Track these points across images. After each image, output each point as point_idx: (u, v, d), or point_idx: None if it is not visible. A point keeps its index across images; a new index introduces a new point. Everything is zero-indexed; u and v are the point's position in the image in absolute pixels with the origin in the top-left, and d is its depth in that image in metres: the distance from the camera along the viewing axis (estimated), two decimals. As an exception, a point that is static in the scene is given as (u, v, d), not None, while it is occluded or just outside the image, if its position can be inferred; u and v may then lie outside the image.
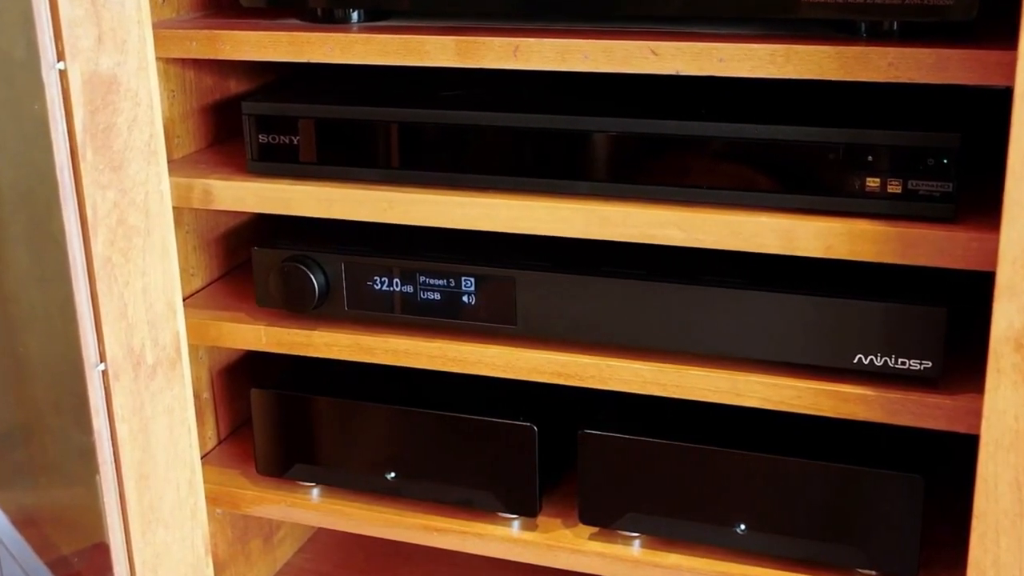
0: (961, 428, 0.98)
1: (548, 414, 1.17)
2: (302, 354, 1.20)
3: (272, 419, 1.26)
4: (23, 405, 1.31)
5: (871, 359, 1.01)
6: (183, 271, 1.26)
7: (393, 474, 1.22)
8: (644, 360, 1.09)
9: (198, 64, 1.28)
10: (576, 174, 1.08)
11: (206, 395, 1.35)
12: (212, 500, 1.28)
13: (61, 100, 0.98)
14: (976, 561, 0.96)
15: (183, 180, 1.18)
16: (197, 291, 1.31)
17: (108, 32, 0.99)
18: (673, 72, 1.00)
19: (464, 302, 1.14)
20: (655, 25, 1.06)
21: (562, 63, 1.03)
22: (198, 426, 1.27)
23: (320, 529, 1.57)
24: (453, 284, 1.14)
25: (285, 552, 1.52)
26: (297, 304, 1.18)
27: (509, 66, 1.05)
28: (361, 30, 1.11)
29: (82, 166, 0.99)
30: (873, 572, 1.07)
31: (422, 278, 1.15)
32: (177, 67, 1.25)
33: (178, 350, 1.11)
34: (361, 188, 1.13)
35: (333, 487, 1.27)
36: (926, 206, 0.97)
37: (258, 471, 1.28)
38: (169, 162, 1.14)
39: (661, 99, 1.12)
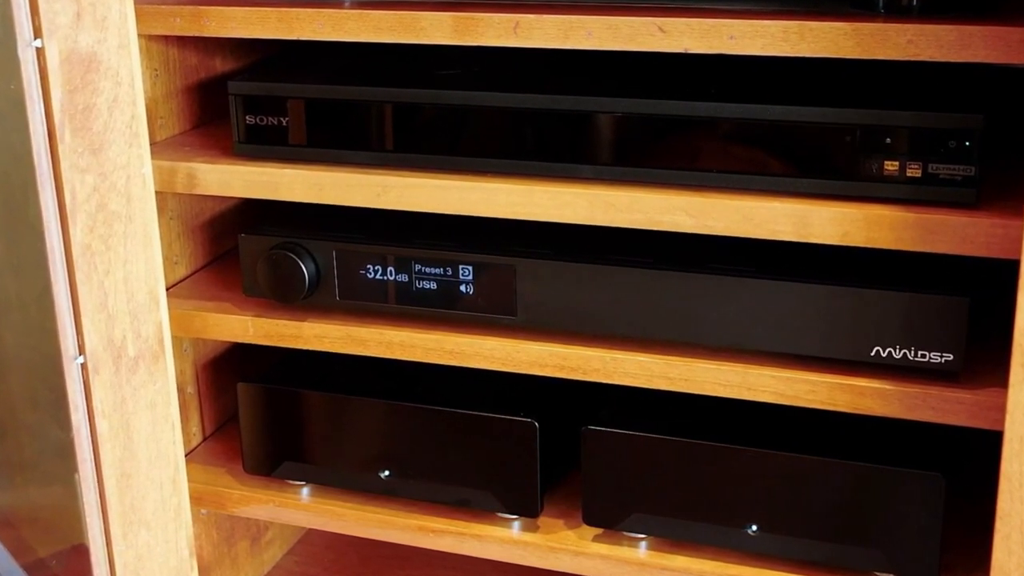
0: (984, 424, 0.98)
1: (550, 409, 1.18)
2: (291, 346, 1.20)
3: (260, 415, 1.26)
4: (-2, 400, 1.31)
5: (889, 352, 1.01)
6: (166, 259, 1.27)
7: (387, 472, 1.22)
8: (651, 353, 1.09)
9: (182, 42, 1.28)
10: (579, 157, 1.08)
11: (190, 389, 1.35)
12: (197, 500, 1.29)
13: (38, 79, 0.98)
14: (999, 564, 0.96)
15: (166, 163, 1.18)
16: (181, 280, 1.31)
17: (87, 8, 0.99)
18: (681, 50, 1.00)
19: (462, 292, 1.14)
20: (662, 0, 1.06)
21: (565, 40, 1.03)
22: (182, 422, 1.27)
23: (310, 530, 1.57)
24: (450, 273, 1.14)
25: (273, 554, 1.53)
26: (286, 294, 1.18)
27: (509, 44, 1.05)
28: (353, 6, 1.11)
29: (60, 149, 0.99)
30: None
31: (417, 266, 1.15)
32: (160, 45, 1.26)
33: (161, 342, 1.12)
34: (353, 172, 1.13)
35: (324, 486, 1.27)
36: (947, 191, 0.97)
37: (245, 469, 1.29)
38: (152, 144, 1.14)
39: (669, 78, 1.12)
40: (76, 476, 1.09)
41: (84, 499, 1.09)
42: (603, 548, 1.15)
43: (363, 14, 1.09)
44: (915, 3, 0.97)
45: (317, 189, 1.14)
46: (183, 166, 1.18)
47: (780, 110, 1.01)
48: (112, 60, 1.02)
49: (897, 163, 0.98)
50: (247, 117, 1.17)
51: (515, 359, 1.12)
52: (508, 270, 1.12)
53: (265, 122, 1.17)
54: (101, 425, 1.07)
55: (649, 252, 1.09)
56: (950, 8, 0.96)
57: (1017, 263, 0.90)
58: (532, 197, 1.07)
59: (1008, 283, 0.92)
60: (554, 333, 1.13)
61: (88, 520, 1.10)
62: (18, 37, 0.97)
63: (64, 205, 1.01)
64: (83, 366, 1.05)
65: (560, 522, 1.19)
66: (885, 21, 0.95)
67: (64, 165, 1.00)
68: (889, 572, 1.07)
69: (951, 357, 0.99)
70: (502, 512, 1.19)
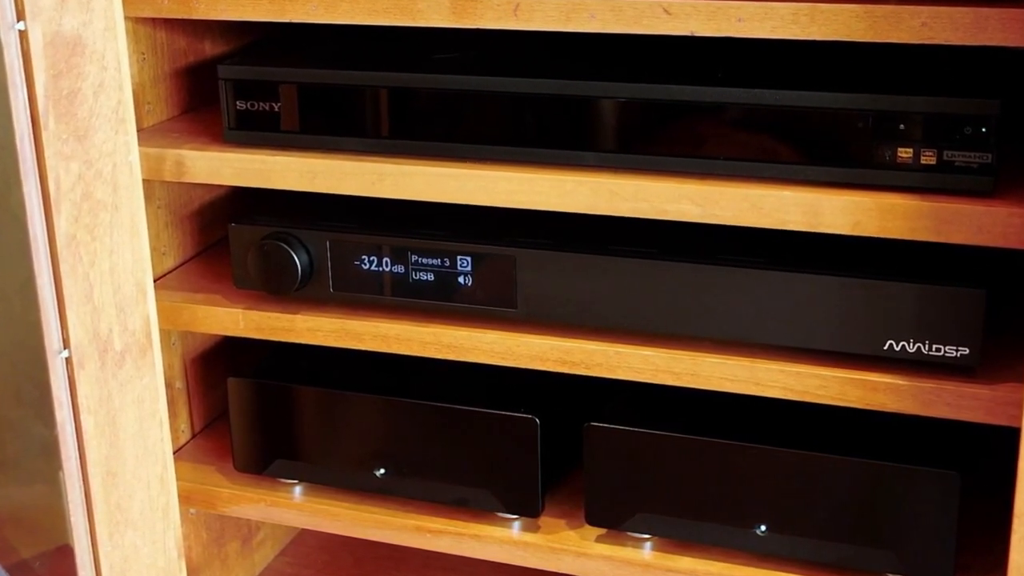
0: (1001, 420, 0.98)
1: (551, 405, 1.18)
2: (283, 340, 1.21)
3: (251, 411, 1.26)
4: (-20, 396, 1.31)
5: (903, 345, 1.01)
6: (154, 250, 1.27)
7: (383, 471, 1.22)
8: (656, 346, 1.09)
9: (170, 24, 1.28)
10: (582, 144, 1.08)
11: (179, 385, 1.35)
12: (185, 499, 1.29)
13: (21, 63, 0.98)
14: (1017, 565, 0.96)
15: (154, 150, 1.18)
16: (169, 271, 1.31)
17: (72, -11, 0.99)
18: (688, 33, 1.00)
19: (460, 283, 1.14)
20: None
21: (567, 23, 1.03)
22: (170, 419, 1.27)
23: (303, 531, 1.58)
24: (448, 264, 1.14)
25: (265, 555, 1.53)
26: (278, 285, 1.18)
27: (509, 26, 1.05)
28: (347, -13, 1.11)
29: (44, 135, 0.99)
30: (904, 577, 1.07)
31: (414, 257, 1.15)
32: (147, 27, 1.26)
33: (148, 336, 1.12)
34: (347, 159, 1.13)
35: (317, 485, 1.27)
36: (963, 179, 0.97)
37: (235, 467, 1.29)
38: (139, 131, 1.14)
39: (675, 62, 1.12)
40: (60, 474, 1.09)
41: (69, 498, 1.09)
42: (606, 549, 1.15)
43: (358, -5, 1.09)
44: (930, -16, 0.97)
45: (310, 177, 1.14)
46: (171, 153, 1.18)
47: (790, 95, 1.01)
48: (98, 44, 1.02)
49: (911, 150, 0.98)
50: (237, 102, 1.17)
51: (515, 353, 1.13)
52: (508, 261, 1.12)
53: (256, 108, 1.17)
54: (86, 421, 1.07)
55: (654, 242, 1.10)
56: (966, -11, 0.96)
57: (1035, 254, 0.90)
58: (533, 185, 1.07)
59: (1026, 274, 0.92)
60: (556, 326, 1.13)
61: (73, 520, 1.10)
62: (0, 20, 0.97)
63: (48, 194, 1.01)
64: (68, 360, 1.05)
65: (562, 522, 1.19)
66: (898, 3, 0.95)
67: (48, 152, 1.00)
68: (902, 573, 1.07)
69: (967, 351, 1.00)
70: (502, 512, 1.19)
